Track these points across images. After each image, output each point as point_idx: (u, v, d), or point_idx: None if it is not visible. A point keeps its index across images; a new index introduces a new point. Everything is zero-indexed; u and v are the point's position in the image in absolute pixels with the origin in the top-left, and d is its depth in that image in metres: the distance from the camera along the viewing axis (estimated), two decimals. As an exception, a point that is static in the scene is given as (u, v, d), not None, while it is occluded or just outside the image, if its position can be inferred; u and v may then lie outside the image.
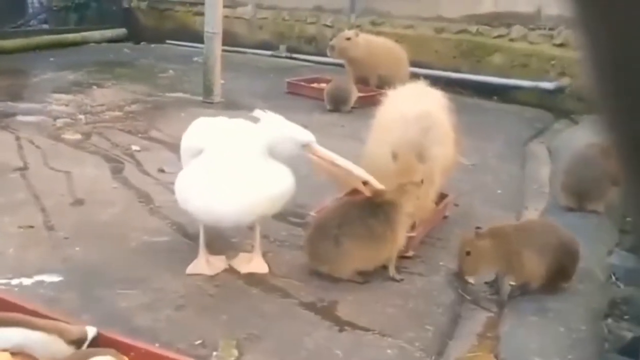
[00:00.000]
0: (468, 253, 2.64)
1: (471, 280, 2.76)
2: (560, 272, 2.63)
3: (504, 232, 2.66)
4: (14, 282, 2.53)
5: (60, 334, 1.85)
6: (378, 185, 2.62)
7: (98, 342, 1.90)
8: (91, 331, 1.89)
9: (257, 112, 2.65)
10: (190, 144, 2.71)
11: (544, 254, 2.58)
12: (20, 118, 4.92)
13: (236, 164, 2.52)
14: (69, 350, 1.84)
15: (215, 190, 2.51)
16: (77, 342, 1.86)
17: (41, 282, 2.55)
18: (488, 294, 2.75)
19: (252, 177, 2.51)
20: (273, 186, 2.55)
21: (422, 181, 2.78)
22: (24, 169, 3.81)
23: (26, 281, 2.54)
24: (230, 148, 2.57)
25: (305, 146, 2.58)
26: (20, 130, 4.58)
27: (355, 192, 2.91)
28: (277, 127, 2.60)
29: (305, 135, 2.61)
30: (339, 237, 2.59)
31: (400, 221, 2.68)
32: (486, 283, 2.78)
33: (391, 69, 5.93)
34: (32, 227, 3.03)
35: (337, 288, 2.62)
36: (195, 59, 7.23)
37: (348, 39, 5.97)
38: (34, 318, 1.88)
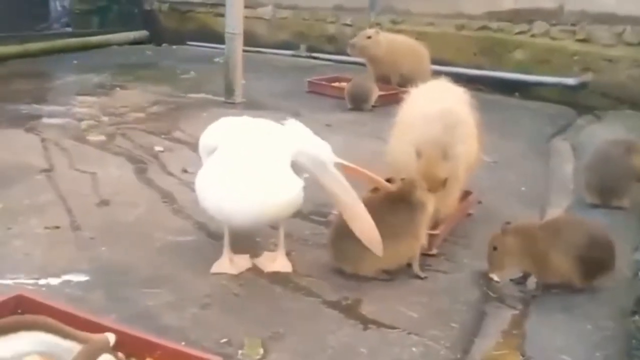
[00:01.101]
0: (495, 248, 2.65)
1: (496, 278, 2.75)
2: (597, 267, 2.60)
3: (531, 231, 2.65)
4: (41, 282, 2.56)
5: (87, 343, 1.85)
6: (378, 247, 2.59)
7: (121, 344, 1.91)
8: (111, 337, 1.89)
9: (290, 122, 2.68)
10: (205, 142, 2.73)
11: (573, 250, 2.56)
12: (45, 120, 4.97)
13: (248, 164, 2.51)
14: None
15: (223, 189, 2.52)
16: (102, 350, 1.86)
17: (68, 282, 2.57)
18: (514, 292, 2.73)
19: (261, 179, 2.49)
20: (281, 191, 2.53)
21: (446, 180, 2.78)
22: (49, 170, 3.85)
23: (53, 281, 2.57)
24: (244, 148, 2.56)
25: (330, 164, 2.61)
26: (45, 132, 4.63)
27: (377, 189, 2.91)
28: (307, 143, 2.63)
29: (330, 155, 2.63)
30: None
31: (422, 218, 2.68)
32: (511, 280, 2.77)
33: (413, 67, 5.91)
34: (58, 227, 3.06)
35: (361, 286, 2.62)
36: (217, 59, 7.26)
37: (369, 37, 5.96)
38: (64, 326, 1.89)
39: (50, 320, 1.87)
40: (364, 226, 2.58)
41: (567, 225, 2.69)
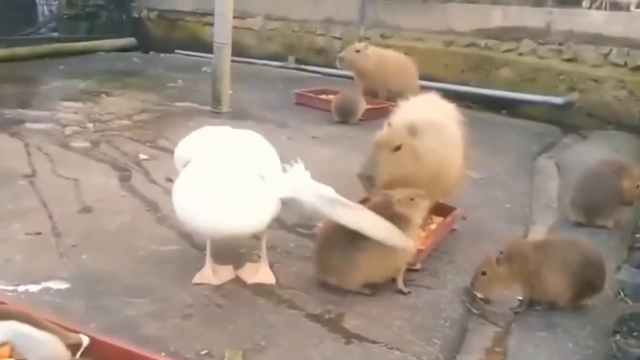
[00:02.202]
0: (484, 273, 2.66)
1: (480, 295, 2.75)
2: (588, 288, 2.61)
3: (523, 253, 2.64)
4: (21, 288, 2.53)
5: (61, 337, 1.84)
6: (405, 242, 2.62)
7: (93, 351, 1.89)
8: (85, 340, 1.88)
9: (295, 166, 2.68)
10: (179, 154, 2.72)
11: (566, 272, 2.56)
12: (29, 125, 4.94)
13: (217, 178, 2.48)
14: (67, 354, 1.84)
15: (190, 201, 2.51)
16: (74, 348, 1.85)
17: (48, 289, 2.54)
18: (496, 309, 2.73)
19: (228, 195, 2.46)
20: (249, 207, 2.50)
21: (399, 147, 2.84)
22: (32, 176, 3.81)
23: (33, 288, 2.54)
24: (215, 162, 2.53)
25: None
26: (29, 137, 4.59)
27: (363, 202, 2.91)
28: (310, 182, 2.63)
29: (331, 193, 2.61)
30: (347, 248, 2.58)
31: (410, 232, 2.67)
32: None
33: (401, 82, 5.93)
34: (39, 234, 3.03)
35: (344, 300, 2.61)
36: (204, 69, 7.26)
37: (357, 51, 5.98)
38: (39, 317, 1.88)
39: (27, 312, 1.86)
40: (390, 234, 2.59)
41: (561, 245, 2.69)
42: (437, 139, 2.98)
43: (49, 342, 1.81)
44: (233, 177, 2.48)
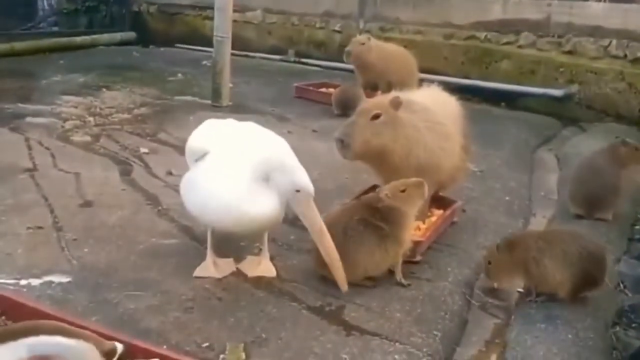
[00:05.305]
0: (490, 262, 2.74)
1: (496, 285, 2.81)
2: (587, 281, 2.62)
3: (525, 242, 2.68)
4: (23, 282, 2.54)
5: (96, 344, 1.84)
6: (343, 282, 2.48)
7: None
8: (119, 347, 1.88)
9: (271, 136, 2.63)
10: (193, 146, 2.69)
11: (567, 263, 2.57)
12: (29, 120, 4.94)
13: (230, 173, 2.48)
14: None
15: (203, 196, 2.52)
16: (109, 355, 1.85)
17: (49, 283, 2.55)
18: (496, 301, 2.75)
19: (238, 190, 2.46)
20: (256, 205, 2.48)
21: (378, 115, 2.87)
22: (33, 170, 3.82)
23: (35, 282, 2.55)
24: (229, 156, 2.54)
25: (299, 192, 2.46)
26: (29, 131, 4.60)
27: (362, 195, 2.92)
28: (282, 158, 2.51)
29: (305, 183, 2.47)
30: (346, 241, 2.58)
31: (405, 224, 2.67)
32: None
33: (401, 75, 5.90)
34: (41, 228, 3.04)
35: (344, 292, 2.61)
36: (204, 62, 7.26)
37: (362, 43, 5.96)
38: (68, 326, 1.87)
39: (57, 324, 1.86)
40: (330, 259, 2.50)
41: (564, 237, 2.70)
42: (421, 119, 2.98)
43: (85, 350, 1.80)
44: (254, 171, 2.48)
